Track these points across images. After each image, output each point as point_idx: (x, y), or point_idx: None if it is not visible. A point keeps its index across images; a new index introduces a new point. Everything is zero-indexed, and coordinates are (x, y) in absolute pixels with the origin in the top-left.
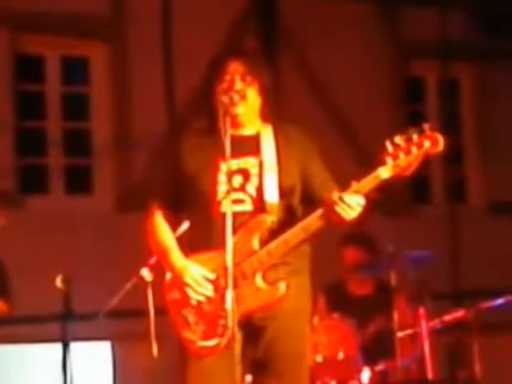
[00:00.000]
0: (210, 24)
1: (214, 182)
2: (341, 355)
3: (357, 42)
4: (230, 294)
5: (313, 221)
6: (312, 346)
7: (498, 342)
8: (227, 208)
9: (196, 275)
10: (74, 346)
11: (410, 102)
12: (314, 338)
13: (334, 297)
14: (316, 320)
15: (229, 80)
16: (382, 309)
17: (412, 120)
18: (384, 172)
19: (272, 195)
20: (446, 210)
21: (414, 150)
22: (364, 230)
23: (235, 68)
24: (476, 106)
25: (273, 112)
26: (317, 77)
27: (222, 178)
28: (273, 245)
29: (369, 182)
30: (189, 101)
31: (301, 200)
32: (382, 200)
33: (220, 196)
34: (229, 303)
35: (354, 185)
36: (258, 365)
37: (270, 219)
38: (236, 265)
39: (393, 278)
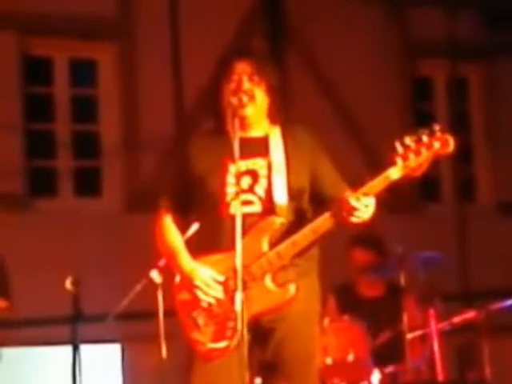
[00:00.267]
0: (217, 24)
1: (223, 184)
2: (351, 357)
3: (365, 42)
4: (239, 296)
5: (322, 222)
6: (322, 348)
7: (508, 344)
8: (237, 210)
9: (205, 277)
10: (84, 348)
11: (419, 102)
12: (324, 340)
13: (344, 298)
14: (326, 322)
15: (236, 80)
16: (392, 310)
17: (420, 119)
18: (394, 173)
19: (281, 197)
20: (454, 208)
21: (424, 151)
22: (372, 231)
23: (242, 68)
24: (485, 104)
25: (280, 113)
26: (324, 76)
27: (230, 179)
28: (282, 246)
29: (379, 183)
30: (197, 102)
31: (310, 201)
32: (390, 199)
33: (229, 197)
34: (238, 305)
35: (365, 187)
36: (266, 367)
37: (279, 221)
38: (245, 267)
39: (402, 280)
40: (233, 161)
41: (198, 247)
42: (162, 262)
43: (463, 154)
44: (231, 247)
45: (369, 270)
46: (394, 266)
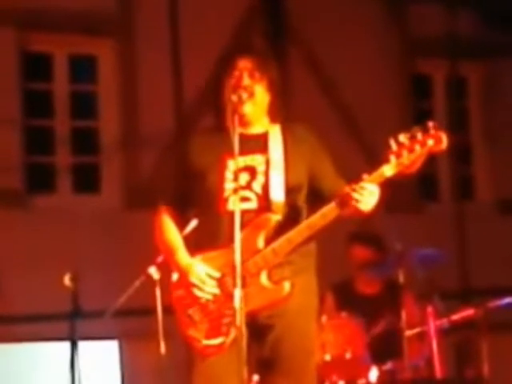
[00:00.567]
0: (217, 21)
1: (221, 180)
2: (349, 354)
3: (365, 40)
4: (238, 293)
5: (317, 219)
6: (320, 345)
7: (506, 341)
8: (235, 206)
9: (201, 273)
10: (82, 345)
11: (418, 100)
12: (322, 337)
13: (342, 295)
14: (324, 319)
15: (237, 76)
16: (390, 308)
17: (419, 117)
18: (388, 170)
19: (278, 194)
20: (453, 207)
21: (418, 148)
22: (371, 228)
23: (244, 64)
24: (484, 103)
25: (281, 110)
26: (324, 74)
27: (229, 175)
28: (277, 243)
29: (373, 180)
30: (197, 98)
31: (306, 199)
32: (389, 197)
33: (227, 193)
34: (237, 302)
35: (361, 184)
36: (264, 364)
37: (276, 218)
38: (241, 263)
39: (401, 277)
40: (232, 157)
41: (197, 243)
42: (160, 259)
43: (462, 153)
44: (228, 243)
45: (367, 267)
46: (392, 263)
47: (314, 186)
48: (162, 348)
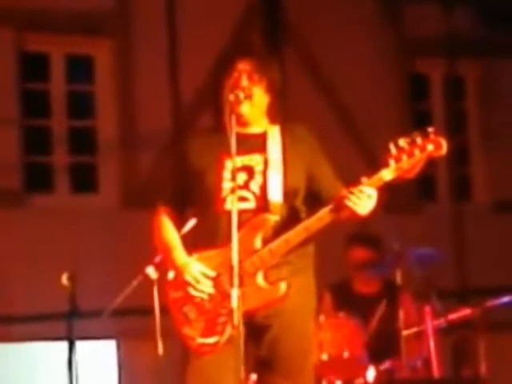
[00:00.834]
0: (215, 21)
1: (220, 179)
2: (346, 354)
3: (362, 39)
4: (235, 292)
5: (315, 220)
6: (317, 344)
7: (503, 341)
8: (233, 206)
9: (195, 272)
10: (80, 344)
11: (416, 100)
12: (320, 336)
13: (340, 295)
14: (322, 318)
15: (236, 77)
16: (388, 307)
17: (417, 117)
18: (387, 174)
19: (276, 194)
20: (451, 207)
21: (417, 152)
22: (369, 229)
23: (243, 66)
24: (481, 103)
25: (280, 112)
26: (321, 73)
27: (227, 175)
28: (274, 244)
29: (372, 184)
30: (194, 98)
31: (304, 201)
32: (387, 198)
33: (224, 193)
34: (234, 301)
35: (359, 187)
36: (262, 363)
37: (273, 218)
38: (238, 263)
39: (398, 277)
40: (229, 156)
41: (195, 243)
42: (157, 259)
43: (459, 153)
44: (226, 243)
45: (366, 267)
46: (390, 263)
47: (311, 187)
48: (160, 348)
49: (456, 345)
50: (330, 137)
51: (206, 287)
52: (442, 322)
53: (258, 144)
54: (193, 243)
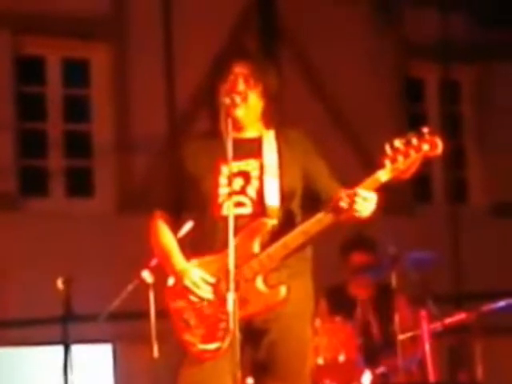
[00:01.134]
0: (210, 25)
1: (216, 185)
2: (342, 358)
3: (357, 43)
4: (231, 297)
5: (313, 224)
6: (313, 348)
7: (499, 345)
8: (229, 211)
9: (195, 278)
10: (75, 348)
11: (411, 103)
12: (316, 340)
13: (335, 300)
14: (318, 322)
15: (232, 80)
16: (383, 311)
17: (413, 121)
18: (383, 175)
19: (273, 198)
20: (447, 210)
21: (413, 153)
22: (366, 232)
23: (239, 70)
24: (476, 107)
25: (275, 117)
26: (318, 77)
27: (223, 180)
28: (272, 248)
29: (368, 185)
30: (190, 103)
31: (300, 205)
32: (382, 200)
33: (221, 199)
34: (230, 306)
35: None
36: (259, 367)
37: (271, 222)
38: (236, 268)
39: (394, 280)
40: (226, 162)
41: (192, 248)
42: (153, 263)
43: (455, 156)
44: (223, 248)
45: (361, 270)
46: (386, 266)
47: (309, 187)
48: (156, 351)
49: (452, 349)
50: (325, 140)
51: (206, 293)
52: (437, 325)
53: (253, 149)
54: (190, 249)
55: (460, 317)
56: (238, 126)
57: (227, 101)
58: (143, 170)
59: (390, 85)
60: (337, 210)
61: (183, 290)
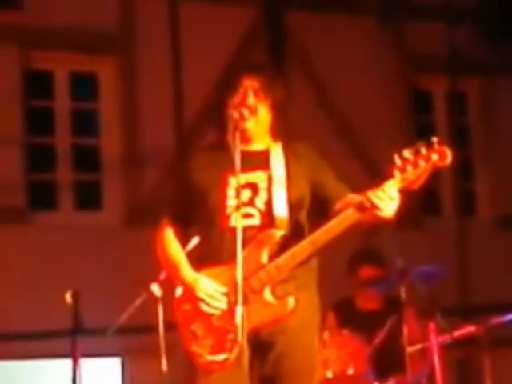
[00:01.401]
0: (218, 37)
1: (224, 197)
2: (351, 371)
3: (365, 56)
4: (239, 310)
5: (322, 234)
6: (322, 361)
7: (508, 357)
8: (237, 223)
9: (209, 289)
10: (84, 362)
11: (419, 116)
12: (324, 353)
13: (344, 313)
14: (326, 336)
15: (242, 93)
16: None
17: (421, 133)
18: (392, 185)
19: (281, 209)
20: (454, 223)
21: (422, 163)
22: (374, 246)
23: (250, 83)
24: (484, 119)
25: (283, 129)
26: (324, 90)
27: (231, 192)
28: (281, 259)
29: None
30: (198, 115)
31: (308, 217)
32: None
33: (229, 210)
34: (239, 318)
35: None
36: (266, 380)
37: (279, 233)
38: (244, 279)
39: (402, 293)
40: (233, 174)
41: (199, 260)
42: (162, 276)
43: (463, 168)
44: (231, 260)
45: (369, 283)
46: (394, 279)
47: (317, 195)
48: (164, 365)
49: (461, 362)
50: (333, 153)
51: (221, 303)
52: (446, 338)
53: (260, 161)
54: (198, 260)
55: (469, 329)
56: (246, 139)
57: (236, 114)
58: (151, 183)
59: (397, 97)
60: (361, 208)
61: (192, 301)
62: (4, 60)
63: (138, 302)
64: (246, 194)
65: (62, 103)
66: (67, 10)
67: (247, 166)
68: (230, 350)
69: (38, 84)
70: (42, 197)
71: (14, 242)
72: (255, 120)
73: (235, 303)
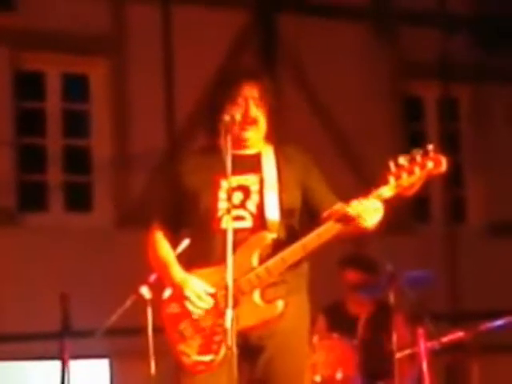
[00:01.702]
0: (210, 41)
1: (215, 199)
2: (339, 375)
3: (356, 61)
4: (229, 313)
5: (313, 238)
6: (311, 365)
7: (496, 364)
8: (228, 225)
9: (197, 288)
10: (73, 364)
11: (410, 122)
12: (313, 357)
13: (334, 318)
14: (315, 339)
15: (243, 105)
16: (381, 329)
17: (412, 139)
18: (386, 191)
19: (273, 212)
20: (445, 229)
21: (417, 170)
22: (363, 251)
23: (249, 91)
24: (475, 125)
25: (275, 133)
26: (316, 95)
27: (222, 195)
28: (271, 262)
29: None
30: (189, 118)
31: (300, 221)
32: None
33: (220, 213)
34: (228, 322)
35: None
36: None
37: (271, 236)
38: (234, 281)
39: (391, 298)
40: (225, 177)
41: (190, 261)
42: (152, 278)
43: (454, 175)
44: (222, 262)
45: (359, 288)
46: (383, 285)
47: (306, 200)
48: (152, 367)
49: (449, 367)
50: (325, 158)
51: (207, 304)
52: (435, 344)
53: (252, 164)
54: (188, 262)
55: (457, 335)
56: (243, 145)
57: (227, 118)
58: (142, 185)
59: (389, 103)
60: (344, 219)
61: (180, 301)
62: None
63: (128, 303)
64: (238, 197)
65: (54, 104)
66: (59, 12)
67: (239, 168)
68: (217, 352)
69: (29, 85)
70: (32, 198)
71: (4, 244)
72: (256, 129)
73: (225, 305)
